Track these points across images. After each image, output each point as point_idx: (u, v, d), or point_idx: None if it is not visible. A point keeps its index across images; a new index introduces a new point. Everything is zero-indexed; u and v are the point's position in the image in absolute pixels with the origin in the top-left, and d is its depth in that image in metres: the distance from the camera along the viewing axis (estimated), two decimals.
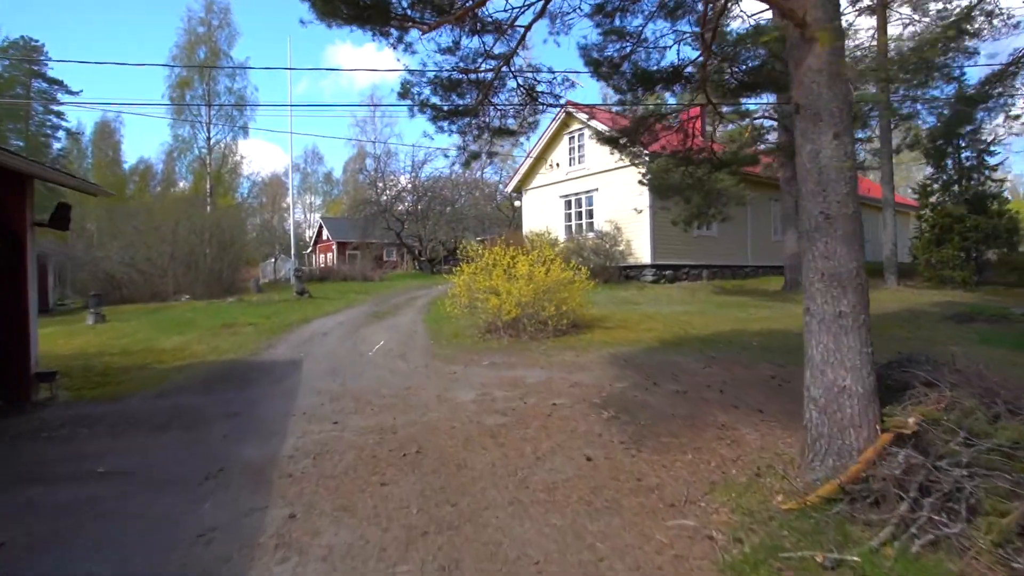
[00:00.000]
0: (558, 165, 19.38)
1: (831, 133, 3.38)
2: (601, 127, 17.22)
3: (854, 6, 16.97)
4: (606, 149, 17.81)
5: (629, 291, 14.91)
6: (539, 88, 5.55)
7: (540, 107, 5.75)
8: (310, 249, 53.17)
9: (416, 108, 5.69)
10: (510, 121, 6.00)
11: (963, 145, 16.71)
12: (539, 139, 19.83)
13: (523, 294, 9.01)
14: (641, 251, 16.33)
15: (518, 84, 5.52)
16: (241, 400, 5.99)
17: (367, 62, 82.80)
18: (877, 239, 30.34)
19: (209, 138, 30.87)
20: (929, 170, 18.33)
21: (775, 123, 15.77)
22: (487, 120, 5.80)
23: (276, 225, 57.74)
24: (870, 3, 16.25)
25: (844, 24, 4.93)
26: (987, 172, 16.85)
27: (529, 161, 20.35)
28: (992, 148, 16.74)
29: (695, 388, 5.92)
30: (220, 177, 37.96)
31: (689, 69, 6.10)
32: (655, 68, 5.81)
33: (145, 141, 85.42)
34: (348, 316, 12.61)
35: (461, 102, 5.62)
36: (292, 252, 22.53)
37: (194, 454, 4.29)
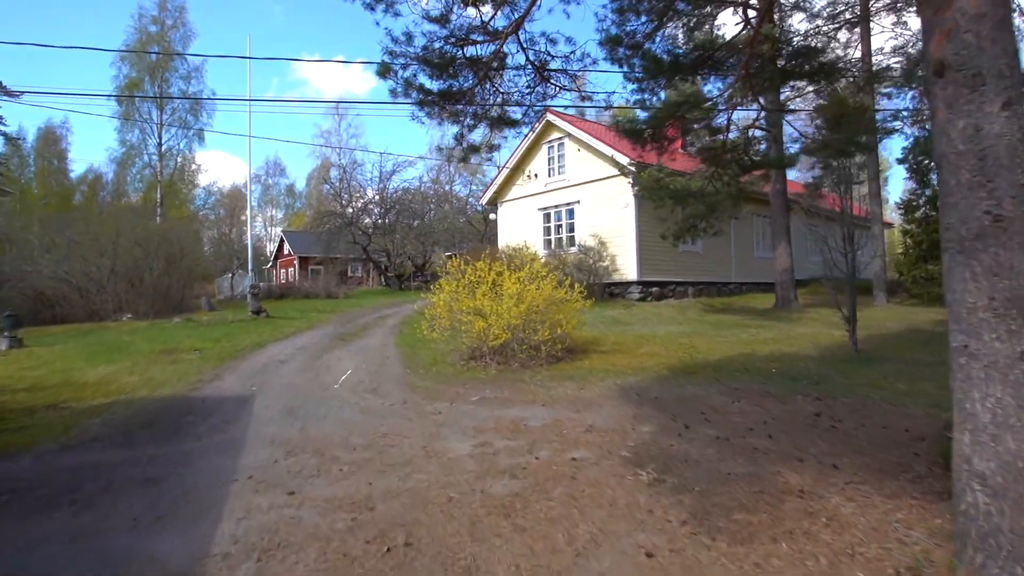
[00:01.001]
0: (536, 176, 18.46)
1: (1000, 101, 2.42)
2: (583, 140, 16.42)
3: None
4: (588, 159, 17.12)
5: (616, 310, 13.96)
6: (552, 66, 4.51)
7: (552, 89, 4.72)
8: (270, 264, 50.91)
9: (400, 90, 4.56)
10: (513, 110, 4.93)
11: None
12: (516, 149, 18.91)
13: (513, 316, 7.91)
14: (627, 267, 15.46)
15: (527, 59, 4.47)
16: (169, 457, 4.67)
17: (336, 76, 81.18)
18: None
19: (160, 144, 28.78)
20: (911, 185, 18.14)
21: (764, 132, 15.17)
22: (486, 105, 4.71)
23: (235, 239, 55.18)
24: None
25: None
26: None
27: (505, 172, 19.38)
28: None
29: (736, 432, 4.90)
30: (174, 188, 35.74)
31: (720, 54, 5.17)
32: (688, 50, 4.87)
33: (95, 150, 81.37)
34: (310, 339, 11.25)
35: (456, 83, 4.51)
36: (249, 266, 20.83)
37: (78, 557, 3.00)
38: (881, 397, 6.12)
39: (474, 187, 41.36)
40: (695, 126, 7.31)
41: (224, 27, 73.65)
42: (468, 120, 4.83)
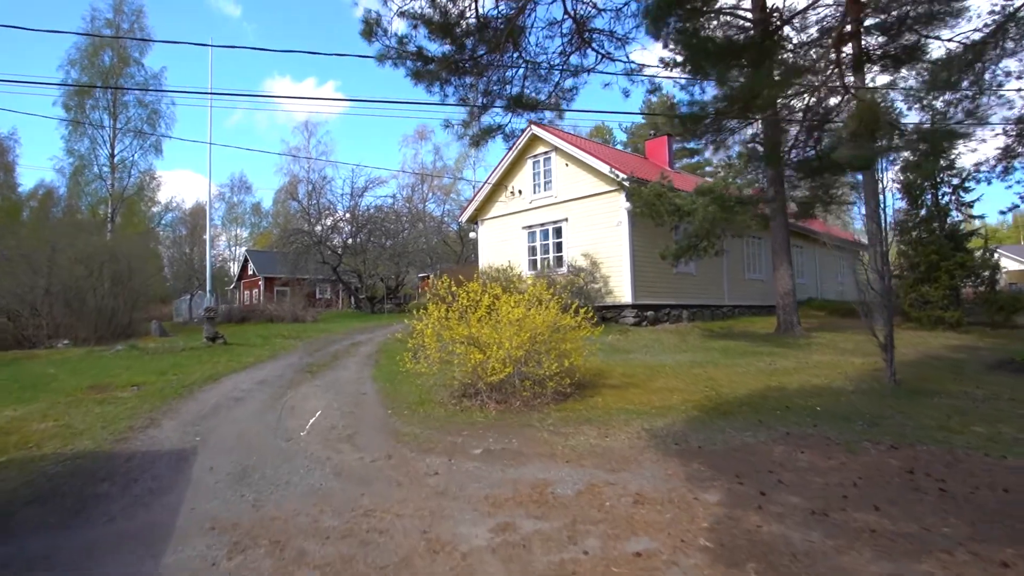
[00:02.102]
0: (520, 192, 17.44)
1: None
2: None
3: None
4: (576, 175, 16.16)
5: (612, 336, 12.88)
6: (596, 24, 3.42)
7: (591, 58, 3.62)
8: (233, 285, 48.57)
9: (393, 53, 3.39)
10: (536, 89, 3.81)
11: (939, 180, 16.21)
12: (498, 163, 17.92)
13: (515, 346, 6.71)
14: (620, 289, 14.45)
15: (565, 9, 3.37)
16: (60, 556, 3.30)
17: (307, 99, 79.60)
18: (819, 275, 30.30)
19: (113, 155, 26.72)
20: (901, 205, 17.76)
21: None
22: (504, 77, 3.58)
23: (196, 258, 52.56)
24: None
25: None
26: (963, 208, 16.41)
27: (487, 188, 18.32)
28: (967, 184, 16.33)
29: (829, 502, 3.79)
30: (133, 205, 33.53)
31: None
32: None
33: (48, 163, 77.32)
34: (272, 371, 9.80)
35: (467, 46, 3.37)
36: (208, 286, 19.09)
37: None
38: (964, 444, 5.13)
39: (448, 206, 40.31)
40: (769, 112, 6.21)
41: (186, 32, 71.67)
42: (479, 98, 3.70)
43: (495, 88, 3.75)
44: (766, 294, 20.53)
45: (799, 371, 9.21)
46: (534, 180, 17.05)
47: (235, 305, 29.81)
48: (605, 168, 14.22)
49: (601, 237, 14.93)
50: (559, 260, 16.04)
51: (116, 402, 7.18)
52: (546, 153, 16.60)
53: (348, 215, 28.35)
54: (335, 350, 12.42)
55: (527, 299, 7.14)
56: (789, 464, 4.66)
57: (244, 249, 52.14)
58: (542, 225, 16.65)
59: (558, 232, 16.21)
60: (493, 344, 6.72)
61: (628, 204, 14.01)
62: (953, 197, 16.52)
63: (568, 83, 4.02)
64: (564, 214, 16.00)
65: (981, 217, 16.61)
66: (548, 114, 4.40)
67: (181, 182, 77.88)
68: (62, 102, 26.31)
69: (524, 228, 17.19)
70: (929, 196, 16.42)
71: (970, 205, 16.48)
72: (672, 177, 14.43)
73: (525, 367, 6.90)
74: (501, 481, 4.36)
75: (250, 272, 42.90)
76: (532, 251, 17.01)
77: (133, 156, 28.16)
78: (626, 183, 13.26)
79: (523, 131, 16.02)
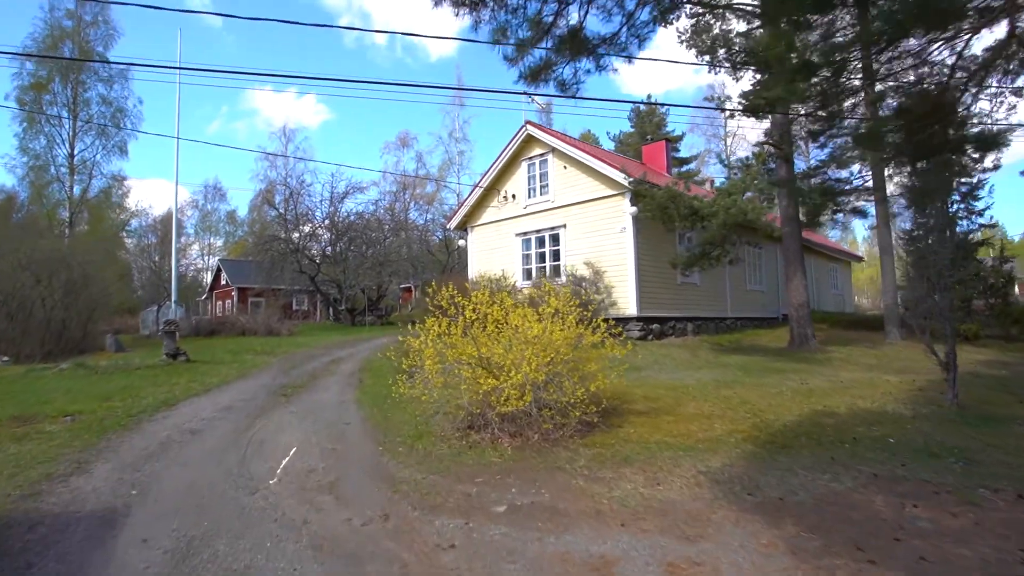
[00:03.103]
0: (514, 197, 16.38)
1: None
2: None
3: None
4: (576, 178, 15.14)
5: (618, 350, 11.79)
6: None
7: None
8: (205, 296, 46.52)
9: None
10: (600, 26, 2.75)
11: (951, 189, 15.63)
12: (490, 166, 16.86)
13: (534, 369, 5.58)
14: (624, 301, 13.43)
15: None
16: None
17: (286, 109, 77.82)
18: (834, 287, 29.90)
19: (72, 155, 24.88)
20: (907, 212, 17.17)
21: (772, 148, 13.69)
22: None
23: (167, 268, 50.23)
24: None
25: None
26: (974, 218, 15.86)
27: (478, 192, 17.23)
28: (977, 192, 15.80)
29: None
30: (101, 212, 31.52)
31: None
32: None
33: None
34: (240, 393, 8.50)
35: None
36: (173, 296, 17.56)
37: None
38: None
39: (431, 215, 39.06)
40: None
41: (152, 28, 69.51)
42: (520, 28, 2.61)
43: (546, 16, 2.70)
44: (767, 306, 19.78)
45: (837, 391, 8.25)
46: (529, 184, 16.01)
47: (204, 317, 28.08)
48: (610, 171, 13.24)
49: (603, 244, 13.92)
50: (556, 269, 14.98)
51: (39, 438, 5.84)
52: (542, 155, 15.59)
53: (327, 221, 26.95)
54: (313, 368, 11.14)
55: (547, 312, 6.03)
56: (908, 525, 3.61)
57: (217, 258, 50.07)
58: (538, 232, 15.58)
59: (555, 239, 15.16)
60: (507, 366, 5.59)
61: (633, 209, 13.04)
62: (963, 206, 15.99)
63: (644, 14, 2.99)
64: (562, 220, 14.96)
65: (994, 226, 16.04)
66: (611, 58, 3.35)
67: (153, 190, 75.27)
68: (16, 96, 24.52)
69: (518, 235, 16.11)
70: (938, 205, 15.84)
71: (980, 213, 15.95)
72: (678, 182, 13.55)
73: (545, 393, 5.77)
74: (543, 559, 3.22)
75: (223, 282, 41.03)
76: (527, 259, 15.93)
77: (95, 157, 26.28)
78: (633, 186, 12.28)
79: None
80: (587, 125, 52.20)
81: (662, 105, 36.83)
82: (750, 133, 37.79)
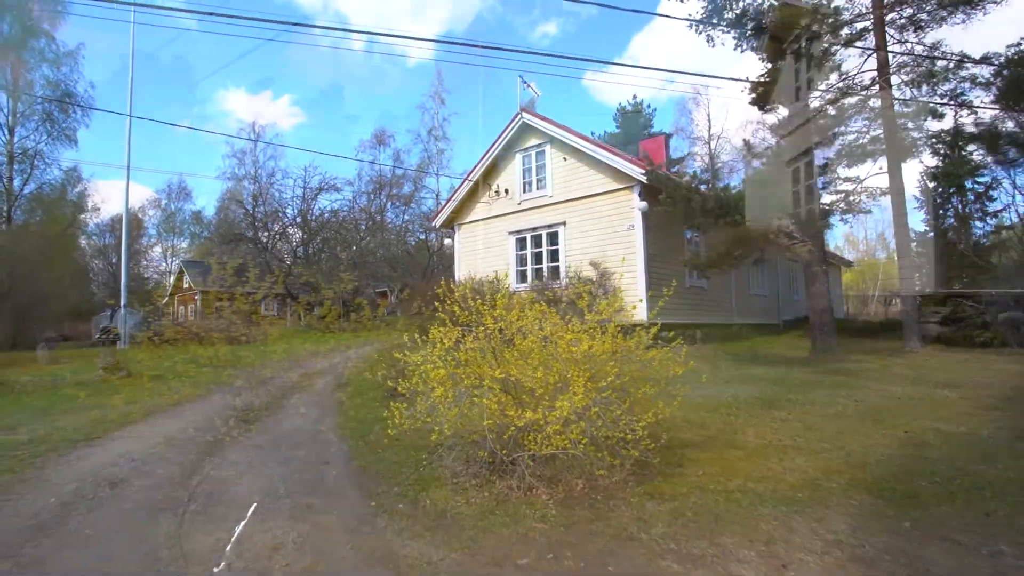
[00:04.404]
0: (507, 192, 15.00)
1: None
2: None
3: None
4: (577, 171, 13.82)
5: (675, 367, 10.50)
6: None
7: None
8: (166, 300, 43.86)
9: None
10: None
11: (967, 188, 14.86)
12: (480, 159, 15.46)
13: (581, 395, 4.19)
14: (632, 305, 12.12)
15: None
16: None
17: (260, 110, 74.99)
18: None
19: (12, 142, 22.46)
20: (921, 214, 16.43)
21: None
22: None
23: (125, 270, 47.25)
24: None
25: None
26: (988, 220, 15.12)
27: (466, 187, 15.79)
28: (992, 193, 15.05)
29: None
30: (55, 209, 28.93)
31: None
32: None
33: None
34: (189, 419, 6.92)
35: None
36: (122, 300, 15.65)
37: None
38: None
39: (408, 216, 37.35)
40: None
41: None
42: None
43: None
44: (768, 311, 18.81)
45: (902, 411, 7.05)
46: (524, 177, 14.65)
47: (159, 321, 25.87)
48: (620, 162, 11.97)
49: (608, 243, 12.63)
50: (555, 271, 13.64)
51: None
52: (539, 146, 14.25)
53: (299, 220, 25.11)
54: (282, 383, 9.56)
55: (593, 320, 4.66)
56: None
57: (179, 260, 47.38)
58: (534, 229, 14.22)
59: (553, 238, 13.82)
60: (545, 392, 4.19)
61: (643, 204, 11.79)
62: (977, 207, 15.25)
63: None
64: (561, 216, 13.63)
65: (1011, 228, 15.29)
66: None
67: (114, 191, 71.69)
68: None
69: (512, 233, 14.72)
70: (953, 204, 15.08)
71: (995, 215, 15.21)
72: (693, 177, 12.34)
73: (593, 427, 4.38)
74: None
75: (185, 285, 38.66)
76: (521, 260, 14.54)
77: (38, 145, 23.83)
78: (648, 178, 11.01)
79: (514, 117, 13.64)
80: (571, 125, 51.24)
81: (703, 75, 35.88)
82: (734, 136, 37.22)
